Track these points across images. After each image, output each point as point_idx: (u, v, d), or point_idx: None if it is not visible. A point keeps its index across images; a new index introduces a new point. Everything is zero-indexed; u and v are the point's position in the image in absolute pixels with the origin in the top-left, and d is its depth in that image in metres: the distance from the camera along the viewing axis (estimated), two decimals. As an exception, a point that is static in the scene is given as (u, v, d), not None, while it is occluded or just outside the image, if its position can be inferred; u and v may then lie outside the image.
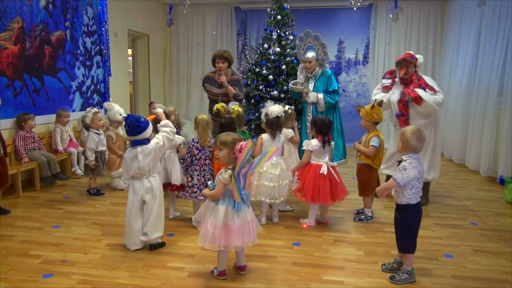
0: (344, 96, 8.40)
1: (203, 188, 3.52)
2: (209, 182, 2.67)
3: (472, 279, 2.75)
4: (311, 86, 4.68)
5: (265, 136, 3.66)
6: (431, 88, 4.07)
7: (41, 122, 5.15)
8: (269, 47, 5.63)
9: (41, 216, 3.92)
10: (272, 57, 5.58)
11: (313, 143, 3.56)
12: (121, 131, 5.08)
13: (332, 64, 8.43)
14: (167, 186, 3.75)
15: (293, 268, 2.87)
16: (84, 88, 6.17)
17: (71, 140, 5.42)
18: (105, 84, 6.70)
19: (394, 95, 4.20)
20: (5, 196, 4.40)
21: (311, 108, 4.69)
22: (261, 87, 5.56)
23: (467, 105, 6.26)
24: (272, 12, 5.75)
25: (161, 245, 3.16)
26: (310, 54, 4.61)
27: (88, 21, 6.21)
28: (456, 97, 6.70)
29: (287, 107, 3.97)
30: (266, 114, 3.64)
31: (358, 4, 5.30)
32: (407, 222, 2.62)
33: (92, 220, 3.82)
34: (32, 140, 4.81)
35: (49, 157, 4.83)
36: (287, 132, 3.95)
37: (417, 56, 4.18)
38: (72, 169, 5.47)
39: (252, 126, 5.50)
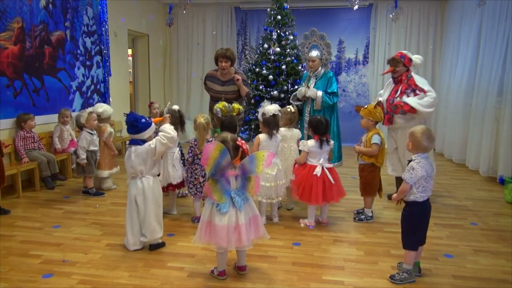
0: (344, 96, 8.40)
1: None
2: None
3: (472, 279, 2.75)
4: (311, 84, 4.69)
5: (262, 136, 3.63)
6: (421, 90, 4.04)
7: (41, 122, 5.15)
8: (269, 47, 5.63)
9: (41, 216, 3.92)
10: (272, 57, 5.57)
11: (309, 144, 3.56)
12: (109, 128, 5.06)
13: (332, 64, 8.41)
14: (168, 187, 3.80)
15: (293, 268, 2.87)
16: (84, 88, 6.17)
17: (72, 140, 5.41)
18: (105, 84, 6.70)
19: (385, 93, 4.30)
20: (5, 196, 4.40)
21: (309, 109, 4.70)
22: (261, 87, 5.56)
23: (467, 105, 6.26)
24: (272, 12, 5.74)
25: (161, 245, 3.16)
26: (314, 53, 4.61)
27: (88, 21, 6.21)
28: (456, 97, 6.70)
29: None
30: (263, 114, 3.62)
31: (357, 2, 5.30)
32: (412, 219, 2.64)
33: (92, 220, 3.82)
34: (32, 140, 4.81)
35: (49, 157, 4.83)
36: (296, 133, 3.94)
37: (413, 56, 4.18)
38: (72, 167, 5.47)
39: (252, 126, 5.50)
